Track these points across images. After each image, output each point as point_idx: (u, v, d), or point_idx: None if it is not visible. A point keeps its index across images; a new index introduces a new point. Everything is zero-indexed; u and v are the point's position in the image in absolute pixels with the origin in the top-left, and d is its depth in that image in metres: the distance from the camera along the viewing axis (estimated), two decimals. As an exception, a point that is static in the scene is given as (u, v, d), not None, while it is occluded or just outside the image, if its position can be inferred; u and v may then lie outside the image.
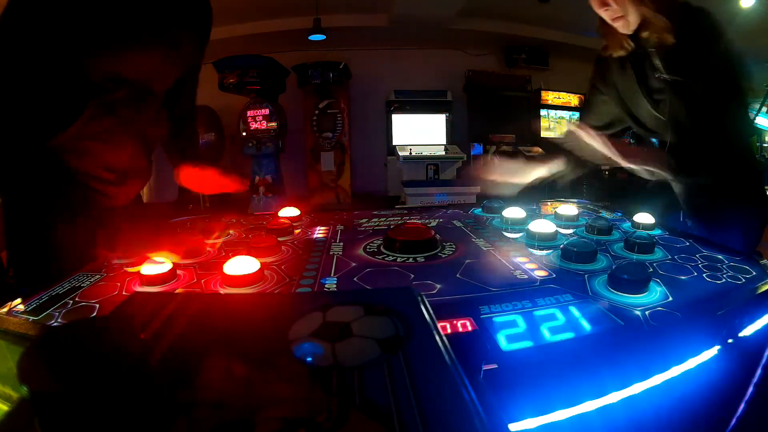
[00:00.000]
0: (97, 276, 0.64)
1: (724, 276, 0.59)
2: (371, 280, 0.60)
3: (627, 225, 0.88)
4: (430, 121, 4.78)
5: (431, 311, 0.38)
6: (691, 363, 0.38)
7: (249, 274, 0.57)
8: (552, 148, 1.16)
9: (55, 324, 0.49)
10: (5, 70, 0.69)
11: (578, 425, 0.33)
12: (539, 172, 1.11)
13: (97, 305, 0.54)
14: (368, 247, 0.75)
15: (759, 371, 0.40)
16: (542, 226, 0.76)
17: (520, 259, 0.66)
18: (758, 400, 0.38)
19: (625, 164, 0.96)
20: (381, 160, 4.82)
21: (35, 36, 0.68)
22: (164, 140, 1.03)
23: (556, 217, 0.92)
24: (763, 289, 0.55)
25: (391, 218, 0.99)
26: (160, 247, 0.64)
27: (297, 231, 0.88)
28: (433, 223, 0.93)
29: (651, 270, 0.60)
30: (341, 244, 0.78)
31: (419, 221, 0.92)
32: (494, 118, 4.88)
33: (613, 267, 0.56)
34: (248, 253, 0.66)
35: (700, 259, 0.66)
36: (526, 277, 0.59)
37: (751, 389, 0.38)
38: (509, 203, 0.96)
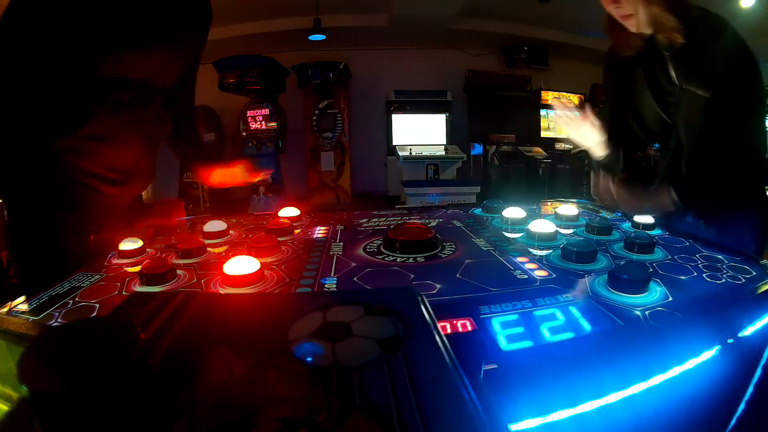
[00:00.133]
0: (97, 276, 0.64)
1: (724, 276, 0.59)
2: (371, 280, 0.60)
3: (627, 225, 0.88)
4: (430, 121, 4.78)
5: (431, 311, 0.38)
6: (691, 363, 0.38)
7: (249, 274, 0.57)
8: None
9: (55, 324, 0.49)
10: (13, 71, 0.70)
11: (578, 425, 0.33)
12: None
13: (97, 305, 0.54)
14: (368, 247, 0.75)
15: (759, 371, 0.40)
16: (542, 226, 0.76)
17: (520, 259, 0.66)
18: (758, 400, 0.38)
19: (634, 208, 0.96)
20: (381, 160, 4.82)
21: (42, 36, 0.69)
22: (166, 140, 1.04)
23: (556, 217, 0.92)
24: (763, 289, 0.55)
25: (391, 218, 0.99)
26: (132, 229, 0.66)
27: (297, 231, 0.88)
28: (433, 223, 0.93)
29: (651, 270, 0.60)
30: (341, 244, 0.78)
31: (419, 221, 0.92)
32: (494, 118, 4.88)
33: (613, 267, 0.56)
34: (248, 253, 0.66)
35: (700, 259, 0.66)
36: (526, 277, 0.59)
37: (751, 389, 0.38)
38: (509, 204, 0.96)
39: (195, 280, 0.61)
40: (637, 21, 0.88)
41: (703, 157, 0.91)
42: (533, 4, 3.99)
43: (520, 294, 0.53)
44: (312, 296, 0.53)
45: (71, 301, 0.55)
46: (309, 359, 0.32)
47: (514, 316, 0.46)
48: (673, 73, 0.90)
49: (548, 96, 5.02)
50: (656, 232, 0.82)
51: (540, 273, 0.60)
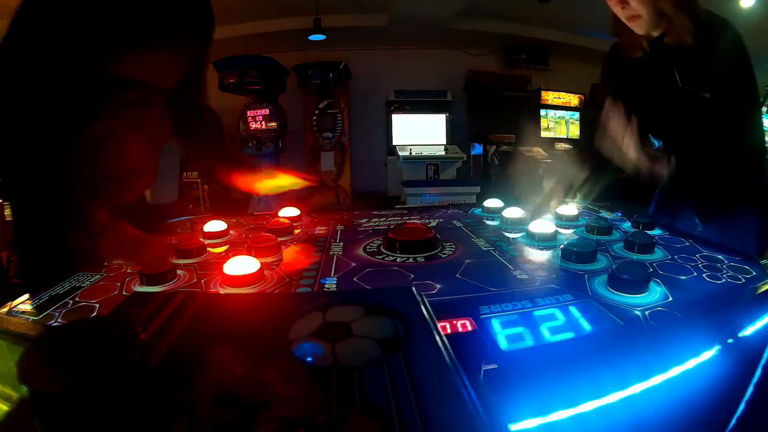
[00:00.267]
0: (97, 276, 0.64)
1: (724, 276, 0.59)
2: (371, 280, 0.60)
3: (627, 225, 0.88)
4: (430, 121, 4.79)
5: (431, 311, 0.38)
6: (691, 363, 0.38)
7: (249, 274, 0.57)
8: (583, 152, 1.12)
9: (55, 324, 0.49)
10: (21, 71, 0.70)
11: (578, 425, 0.33)
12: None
13: (97, 305, 0.54)
14: (368, 247, 0.75)
15: (759, 371, 0.40)
16: (542, 226, 0.76)
17: (520, 259, 0.66)
18: (758, 400, 0.38)
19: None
20: (381, 160, 4.82)
21: (48, 36, 0.70)
22: (186, 144, 1.05)
23: (556, 217, 0.92)
24: (763, 289, 0.55)
25: (391, 218, 0.99)
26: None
27: (297, 231, 0.88)
28: (433, 223, 0.93)
29: (651, 270, 0.60)
30: (341, 244, 0.78)
31: (419, 221, 0.92)
32: (494, 118, 4.89)
33: (613, 267, 0.56)
34: (248, 253, 0.66)
35: (700, 259, 0.66)
36: (526, 277, 0.59)
37: (751, 389, 0.38)
38: (509, 204, 0.96)
39: (195, 280, 0.61)
40: (644, 22, 0.88)
41: (704, 157, 0.91)
42: (533, 4, 3.99)
43: (520, 294, 0.53)
44: (312, 296, 0.54)
45: (71, 301, 0.55)
46: (309, 359, 0.32)
47: (514, 316, 0.46)
48: (677, 75, 0.90)
49: (548, 96, 5.02)
50: (656, 232, 0.82)
51: (540, 273, 0.60)
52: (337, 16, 4.14)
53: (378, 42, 4.82)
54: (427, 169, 4.19)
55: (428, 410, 0.26)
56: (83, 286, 0.60)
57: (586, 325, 0.45)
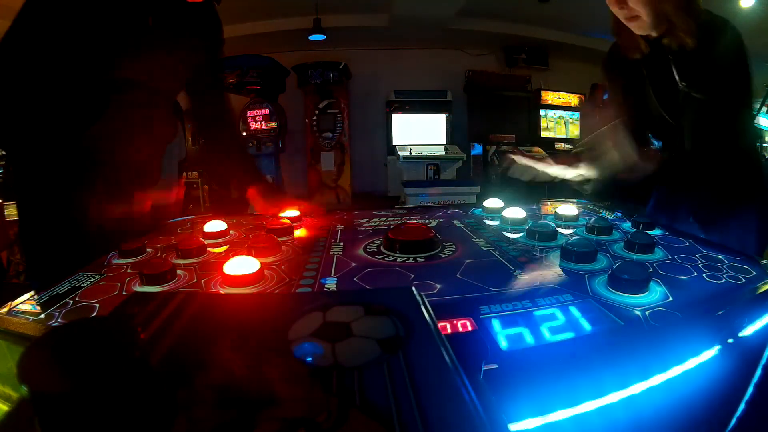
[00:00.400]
0: (97, 276, 0.64)
1: (724, 276, 0.59)
2: (371, 280, 0.60)
3: (627, 225, 0.88)
4: (430, 121, 4.78)
5: (431, 311, 0.38)
6: (691, 363, 0.38)
7: (249, 274, 0.57)
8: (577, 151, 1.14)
9: (55, 324, 0.49)
10: (30, 66, 0.71)
11: (578, 425, 0.33)
12: (563, 171, 1.07)
13: (97, 305, 0.54)
14: (368, 247, 0.75)
15: (759, 371, 0.40)
16: (542, 225, 0.76)
17: (520, 259, 0.66)
18: (758, 400, 0.38)
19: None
20: (381, 160, 4.82)
21: (55, 35, 0.70)
22: (172, 140, 1.06)
23: (556, 217, 0.92)
24: (763, 289, 0.55)
25: (391, 218, 0.99)
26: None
27: (297, 231, 0.88)
28: (433, 223, 0.93)
29: (651, 270, 0.60)
30: (341, 244, 0.78)
31: (419, 221, 0.92)
32: (494, 118, 4.89)
33: (614, 267, 0.56)
34: (248, 253, 0.66)
35: (700, 259, 0.66)
36: (526, 277, 0.59)
37: (751, 389, 0.38)
38: (509, 204, 0.96)
39: (195, 280, 0.61)
40: (643, 23, 0.87)
41: (700, 158, 0.91)
42: (533, 4, 3.99)
43: (520, 294, 0.53)
44: (312, 296, 0.54)
45: (71, 301, 0.55)
46: (309, 359, 0.32)
47: (515, 316, 0.46)
48: (676, 76, 0.90)
49: (548, 96, 5.02)
50: (656, 232, 0.82)
51: (540, 273, 0.60)
52: (337, 16, 4.14)
53: (378, 42, 4.82)
54: (427, 169, 4.19)
55: (428, 410, 0.26)
56: (83, 286, 0.60)
57: (587, 325, 0.45)
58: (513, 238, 0.79)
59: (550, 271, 0.61)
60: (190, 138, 4.12)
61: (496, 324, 0.45)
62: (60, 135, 0.74)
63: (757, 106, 4.01)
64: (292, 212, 1.00)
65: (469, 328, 0.44)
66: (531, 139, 4.90)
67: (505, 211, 0.90)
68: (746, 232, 0.94)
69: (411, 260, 0.67)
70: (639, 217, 0.88)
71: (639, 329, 0.45)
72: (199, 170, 3.81)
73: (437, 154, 4.34)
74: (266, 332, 0.36)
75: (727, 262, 0.64)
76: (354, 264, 0.66)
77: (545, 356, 0.40)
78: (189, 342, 0.34)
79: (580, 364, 0.39)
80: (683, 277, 0.59)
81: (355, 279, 0.60)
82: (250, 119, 4.18)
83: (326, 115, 4.51)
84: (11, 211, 2.04)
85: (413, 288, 0.43)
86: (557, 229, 0.78)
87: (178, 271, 0.62)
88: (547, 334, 0.43)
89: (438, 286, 0.56)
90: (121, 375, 0.24)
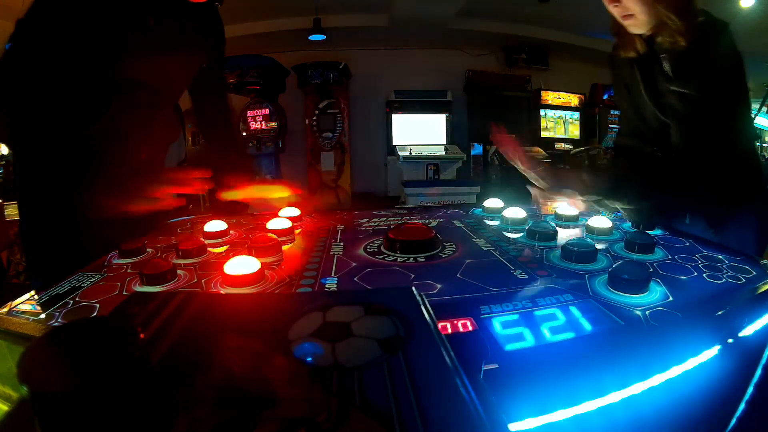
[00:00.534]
0: (97, 276, 0.64)
1: (724, 276, 0.59)
2: (371, 280, 0.60)
3: (627, 225, 0.88)
4: (430, 121, 4.78)
5: (431, 311, 0.38)
6: (691, 363, 0.38)
7: (249, 274, 0.57)
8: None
9: (55, 324, 0.49)
10: (36, 64, 0.71)
11: (578, 425, 0.33)
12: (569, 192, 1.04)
13: (97, 305, 0.54)
14: (368, 247, 0.75)
15: (759, 371, 0.40)
16: (542, 225, 0.76)
17: (520, 259, 0.66)
18: (758, 400, 0.38)
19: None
20: (381, 160, 4.82)
21: (61, 34, 0.71)
22: (176, 140, 1.07)
23: (556, 217, 0.92)
24: (763, 289, 0.55)
25: (391, 218, 0.99)
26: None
27: (297, 231, 0.88)
28: (433, 223, 0.93)
29: (651, 270, 0.60)
30: (341, 244, 0.78)
31: (419, 221, 0.92)
32: (494, 118, 4.86)
33: (614, 267, 0.56)
34: (248, 253, 0.66)
35: (700, 259, 0.66)
36: (526, 277, 0.59)
37: (751, 389, 0.38)
38: (509, 204, 0.96)
39: (195, 280, 0.61)
40: (637, 21, 0.87)
41: (699, 158, 0.91)
42: (533, 4, 3.99)
43: (520, 294, 0.53)
44: (312, 296, 0.54)
45: (71, 301, 0.55)
46: (309, 359, 0.32)
47: (515, 316, 0.46)
48: (666, 74, 0.90)
49: (548, 96, 5.02)
50: (656, 232, 0.82)
51: (540, 273, 0.60)
52: (337, 16, 4.14)
53: (378, 42, 4.82)
54: (427, 169, 4.19)
55: (428, 410, 0.26)
56: (83, 286, 0.60)
57: (587, 325, 0.45)
58: (513, 238, 0.79)
59: (550, 271, 0.61)
60: (189, 138, 4.12)
61: (496, 324, 0.45)
62: (62, 135, 0.74)
63: (757, 106, 4.01)
64: (292, 212, 1.00)
65: (470, 328, 0.44)
66: (531, 139, 4.90)
67: (505, 211, 0.90)
68: (746, 232, 0.94)
69: (411, 260, 0.67)
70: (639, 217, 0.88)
71: (639, 329, 0.45)
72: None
73: (437, 154, 4.34)
74: (266, 332, 0.36)
75: (727, 262, 0.64)
76: (354, 264, 0.66)
77: (545, 356, 0.40)
78: (189, 342, 0.34)
79: (580, 364, 0.39)
80: (683, 277, 0.59)
81: (355, 279, 0.60)
82: (250, 119, 4.18)
83: (326, 115, 4.51)
84: (11, 211, 2.05)
85: (413, 288, 0.43)
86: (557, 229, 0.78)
87: (178, 271, 0.62)
88: (547, 334, 0.43)
89: (438, 286, 0.56)
90: (121, 375, 0.24)
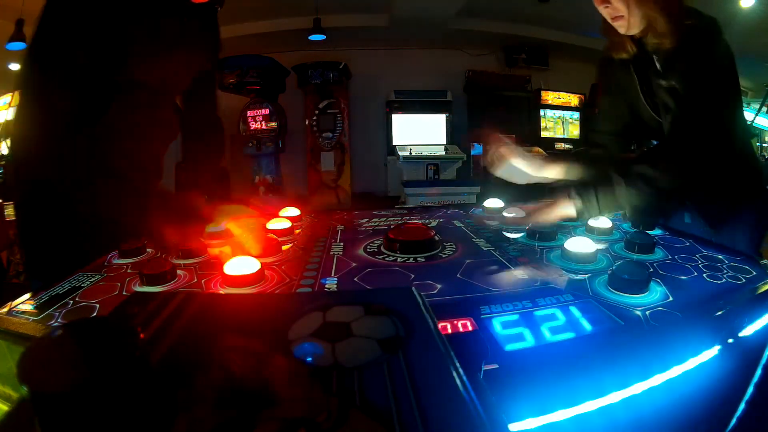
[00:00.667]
0: (97, 276, 0.64)
1: (724, 276, 0.59)
2: (371, 280, 0.60)
3: (627, 225, 0.88)
4: (430, 121, 4.78)
5: (431, 311, 0.38)
6: (691, 363, 0.38)
7: (249, 274, 0.57)
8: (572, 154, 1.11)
9: (55, 324, 0.49)
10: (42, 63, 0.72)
11: (578, 425, 0.33)
12: (554, 172, 1.02)
13: (97, 305, 0.54)
14: (368, 247, 0.75)
15: (759, 371, 0.40)
16: (542, 225, 0.76)
17: (520, 259, 0.66)
18: (758, 400, 0.38)
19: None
20: (381, 160, 4.81)
21: (65, 33, 0.71)
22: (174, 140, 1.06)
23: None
24: (763, 289, 0.55)
25: (391, 218, 0.99)
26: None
27: (297, 231, 0.88)
28: (433, 223, 0.93)
29: (651, 270, 0.60)
30: (341, 244, 0.78)
31: (419, 221, 0.92)
32: (494, 118, 4.87)
33: (614, 267, 0.56)
34: (248, 253, 0.66)
35: (700, 259, 0.66)
36: (526, 277, 0.59)
37: (751, 389, 0.38)
38: (509, 204, 0.96)
39: (195, 280, 0.61)
40: (627, 22, 0.87)
41: (689, 154, 0.90)
42: (533, 4, 3.99)
43: (520, 294, 0.53)
44: (312, 296, 0.54)
45: (71, 301, 0.55)
46: (309, 359, 0.32)
47: (515, 316, 0.46)
48: (655, 76, 0.90)
49: (548, 96, 5.02)
50: (656, 232, 0.82)
51: (540, 273, 0.60)
52: (337, 16, 4.14)
53: (378, 42, 4.81)
54: (427, 169, 4.19)
55: (428, 410, 0.26)
56: (83, 286, 0.60)
57: (587, 325, 0.45)
58: (513, 238, 0.79)
59: (551, 271, 0.61)
60: (189, 138, 4.12)
61: (496, 324, 0.45)
62: (62, 134, 0.74)
63: (757, 106, 4.00)
64: (292, 212, 1.00)
65: (470, 328, 0.44)
66: (531, 139, 4.90)
67: (506, 211, 0.90)
68: (746, 232, 0.94)
69: (411, 260, 0.67)
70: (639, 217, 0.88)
71: (639, 329, 0.45)
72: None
73: (437, 154, 4.34)
74: (266, 332, 0.36)
75: (727, 262, 0.64)
76: (354, 264, 0.66)
77: (545, 356, 0.40)
78: (189, 342, 0.34)
79: (580, 364, 0.39)
80: (683, 277, 0.59)
81: (355, 279, 0.60)
82: (250, 119, 4.17)
83: (326, 115, 4.50)
84: (11, 211, 2.04)
85: (413, 288, 0.43)
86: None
87: (178, 271, 0.62)
88: (547, 334, 0.43)
89: (438, 286, 0.56)
90: (121, 375, 0.24)
